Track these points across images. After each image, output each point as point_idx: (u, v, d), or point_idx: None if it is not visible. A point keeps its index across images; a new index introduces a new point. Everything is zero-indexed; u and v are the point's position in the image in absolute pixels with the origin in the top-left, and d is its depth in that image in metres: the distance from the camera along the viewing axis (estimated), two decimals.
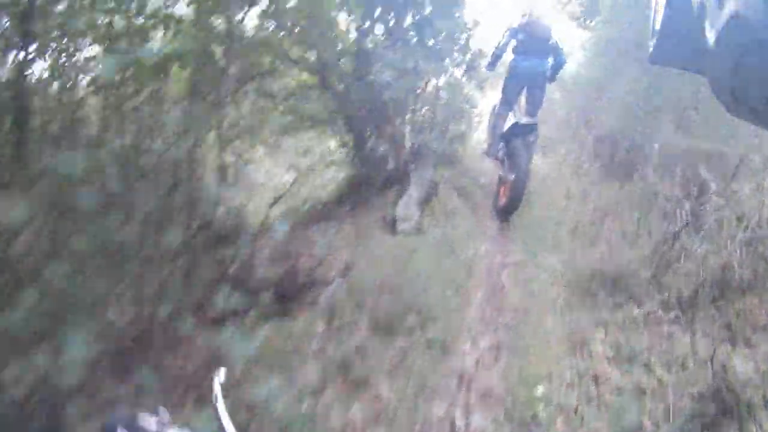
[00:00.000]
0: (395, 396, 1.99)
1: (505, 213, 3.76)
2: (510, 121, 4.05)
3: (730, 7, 0.46)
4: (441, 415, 1.93)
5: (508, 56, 4.32)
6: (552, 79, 4.35)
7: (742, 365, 1.79)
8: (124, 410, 0.62)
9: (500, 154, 4.09)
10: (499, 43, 4.21)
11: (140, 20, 2.01)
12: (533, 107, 4.13)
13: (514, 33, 4.15)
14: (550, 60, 4.23)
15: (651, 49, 0.69)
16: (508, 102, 4.16)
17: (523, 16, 4.34)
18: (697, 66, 0.59)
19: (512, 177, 3.76)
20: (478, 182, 4.36)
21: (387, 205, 3.62)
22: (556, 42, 4.22)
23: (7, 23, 1.83)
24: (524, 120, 3.96)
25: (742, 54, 0.47)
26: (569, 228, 3.48)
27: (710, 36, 0.50)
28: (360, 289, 2.51)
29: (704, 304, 2.18)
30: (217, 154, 2.64)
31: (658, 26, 0.65)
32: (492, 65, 4.32)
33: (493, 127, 4.27)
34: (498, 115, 4.22)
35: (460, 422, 1.91)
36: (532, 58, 4.10)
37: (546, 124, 4.65)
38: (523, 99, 4.19)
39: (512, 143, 3.92)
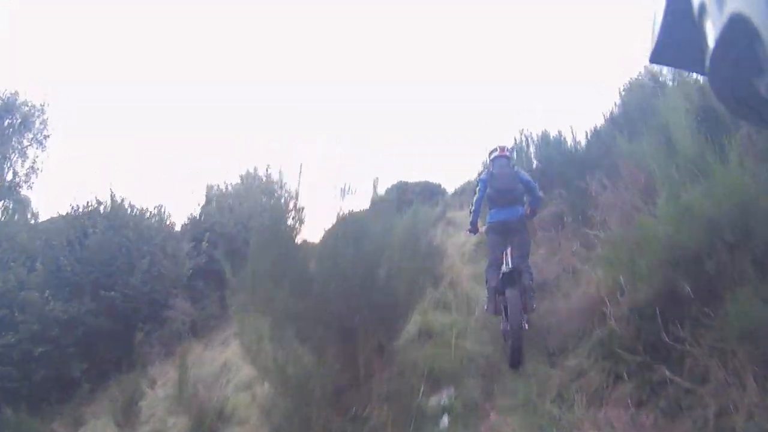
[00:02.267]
0: None
1: (512, 365, 3.56)
2: (500, 271, 4.02)
3: (730, 8, 0.46)
4: None
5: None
6: (534, 214, 4.45)
7: None
8: None
9: (500, 307, 3.98)
10: (474, 200, 4.35)
11: None
12: (520, 252, 4.11)
13: (483, 186, 4.27)
14: (526, 202, 4.30)
15: (652, 49, 0.69)
16: (495, 255, 4.18)
17: (491, 152, 4.49)
18: (698, 66, 0.59)
19: (508, 328, 3.69)
20: None
21: None
22: (527, 180, 4.32)
23: None
24: (510, 267, 3.92)
25: (742, 54, 0.47)
26: None
27: (711, 36, 0.50)
28: None
29: None
30: None
31: (658, 27, 0.65)
32: (474, 225, 4.41)
33: (487, 283, 4.28)
34: (489, 270, 4.25)
35: None
36: (506, 208, 4.17)
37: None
38: (510, 248, 4.14)
39: (506, 294, 3.84)
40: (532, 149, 6.71)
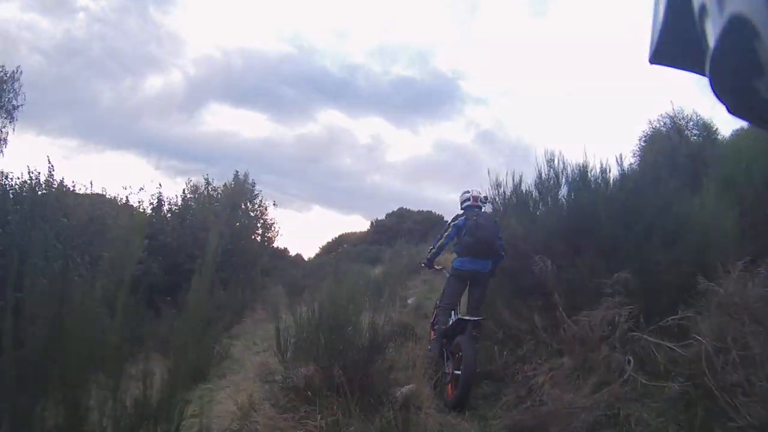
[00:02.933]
0: None
1: (456, 407, 3.55)
2: (453, 317, 4.02)
3: (730, 8, 0.45)
4: None
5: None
6: (493, 274, 4.29)
7: None
8: None
9: (445, 350, 3.98)
10: (441, 238, 4.30)
11: None
12: (477, 305, 4.12)
13: (455, 232, 4.21)
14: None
15: (652, 50, 0.68)
16: (452, 301, 4.16)
17: (467, 196, 4.36)
18: (698, 66, 0.58)
19: (458, 372, 3.64)
20: None
21: None
22: (502, 240, 4.22)
23: None
24: (468, 316, 3.93)
25: (742, 54, 0.47)
26: None
27: (711, 36, 0.50)
28: None
29: None
30: None
31: (658, 26, 0.65)
32: (431, 262, 4.38)
33: (435, 325, 4.26)
34: (442, 313, 4.20)
35: None
36: (481, 260, 4.12)
37: None
38: (465, 297, 4.16)
39: (457, 339, 3.84)
40: (563, 190, 4.70)
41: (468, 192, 4.40)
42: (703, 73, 0.55)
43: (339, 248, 30.23)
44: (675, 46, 0.65)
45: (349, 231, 38.94)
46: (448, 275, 4.34)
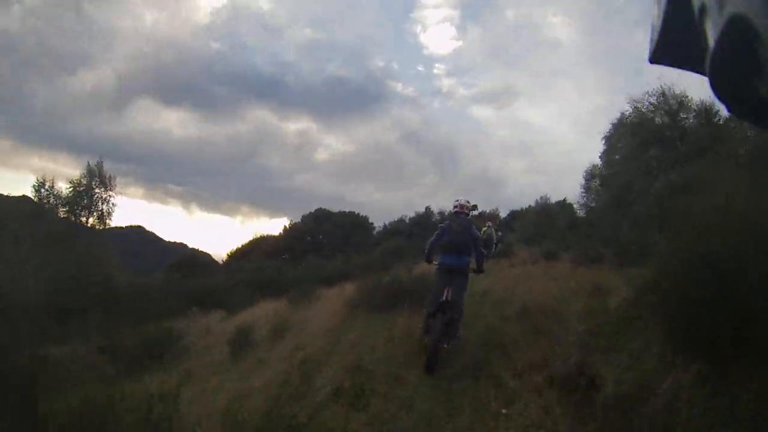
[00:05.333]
0: None
1: (428, 370, 4.49)
2: (439, 301, 4.90)
3: (730, 8, 0.45)
4: None
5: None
6: (480, 269, 5.32)
7: None
8: None
9: (429, 327, 4.90)
10: (429, 242, 5.35)
11: None
12: (457, 293, 4.98)
13: (440, 234, 5.23)
14: (472, 256, 5.19)
15: (651, 49, 0.68)
16: (437, 289, 5.06)
17: (457, 203, 5.40)
18: (698, 66, 0.58)
19: (427, 342, 4.68)
20: None
21: None
22: (476, 237, 5.23)
23: None
24: (448, 298, 4.86)
25: (742, 54, 0.47)
26: None
27: (711, 36, 0.50)
28: None
29: None
30: None
31: (658, 26, 0.65)
32: (428, 258, 5.46)
33: (425, 309, 5.19)
34: (429, 300, 5.13)
35: None
36: (453, 257, 5.13)
37: None
38: (450, 287, 5.00)
39: (434, 317, 4.81)
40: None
41: (457, 200, 5.45)
42: (703, 73, 0.55)
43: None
44: (675, 46, 0.65)
45: (267, 234, 35.22)
46: (436, 268, 5.32)
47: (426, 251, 5.42)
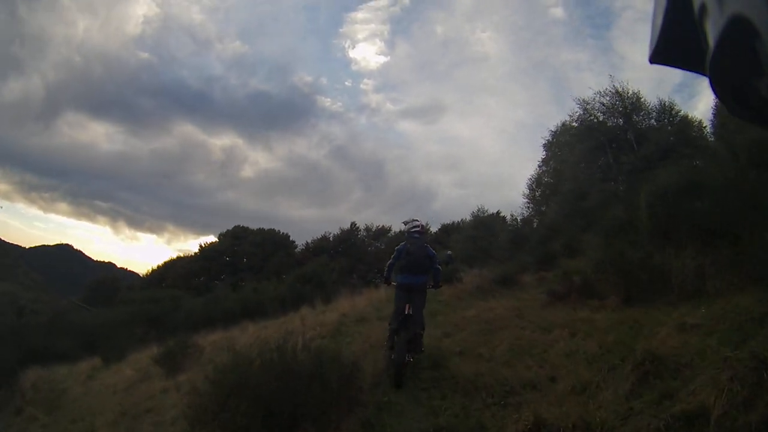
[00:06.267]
0: None
1: (396, 386, 4.75)
2: (400, 318, 5.17)
3: (731, 8, 0.46)
4: None
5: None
6: (437, 285, 5.70)
7: None
8: None
9: (393, 343, 5.19)
10: (388, 263, 5.62)
11: None
12: (417, 308, 5.28)
13: (398, 255, 5.48)
14: (429, 274, 5.49)
15: (652, 50, 0.68)
16: (399, 306, 5.33)
17: (413, 225, 5.60)
18: (698, 66, 0.58)
19: (393, 357, 4.94)
20: None
21: None
22: (432, 255, 5.50)
23: None
24: (409, 312, 5.16)
25: (742, 54, 0.47)
26: None
27: (711, 36, 0.50)
28: None
29: None
30: None
31: (658, 26, 0.65)
32: (387, 279, 5.74)
33: (390, 326, 5.44)
34: (393, 317, 5.40)
35: None
36: (411, 276, 5.40)
37: None
38: (410, 304, 5.27)
39: (397, 335, 5.12)
40: None
41: (415, 221, 5.71)
42: (703, 73, 0.55)
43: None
44: (675, 46, 0.65)
45: (181, 254, 33.13)
46: (396, 287, 5.59)
47: (385, 272, 5.75)
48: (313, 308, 11.57)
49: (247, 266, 31.76)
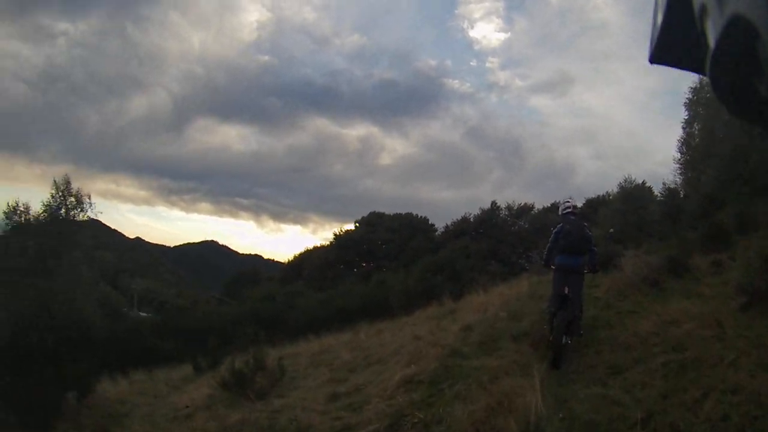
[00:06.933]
0: None
1: (554, 367, 4.86)
2: (559, 299, 5.25)
3: (731, 8, 0.45)
4: None
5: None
6: (594, 270, 5.67)
7: None
8: None
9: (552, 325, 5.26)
10: (548, 247, 5.66)
11: None
12: (574, 290, 5.29)
13: (555, 237, 5.52)
14: (586, 257, 5.47)
15: (651, 49, 0.68)
16: (557, 288, 5.41)
17: (567, 205, 5.67)
18: (698, 66, 0.58)
19: (551, 338, 5.04)
20: None
21: None
22: (589, 236, 5.49)
23: None
24: (567, 293, 5.21)
25: (742, 54, 0.47)
26: None
27: (711, 36, 0.50)
28: None
29: None
30: None
31: (658, 26, 0.65)
32: (547, 262, 5.76)
33: (548, 308, 5.58)
34: (551, 299, 5.52)
35: None
36: (569, 257, 5.41)
37: None
38: (567, 286, 5.33)
39: (557, 315, 5.17)
40: None
41: (567, 202, 5.76)
42: (703, 73, 0.55)
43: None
44: (675, 46, 0.65)
45: (325, 243, 32.18)
46: (553, 270, 5.65)
47: (545, 256, 5.78)
48: (440, 305, 10.57)
49: (383, 253, 30.35)
